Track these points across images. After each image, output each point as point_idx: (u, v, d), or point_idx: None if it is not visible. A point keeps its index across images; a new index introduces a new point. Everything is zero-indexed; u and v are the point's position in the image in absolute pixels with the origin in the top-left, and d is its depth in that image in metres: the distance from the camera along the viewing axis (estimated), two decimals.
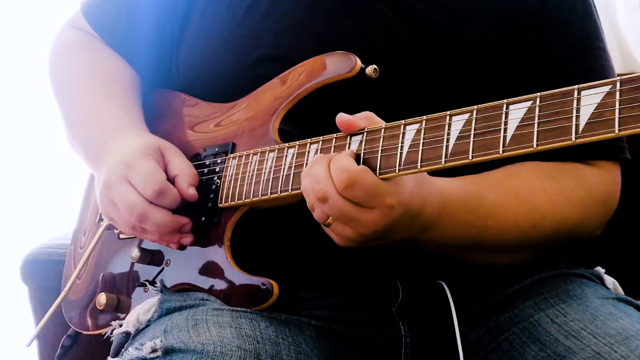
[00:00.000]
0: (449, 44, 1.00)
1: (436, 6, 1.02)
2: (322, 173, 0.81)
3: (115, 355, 0.98)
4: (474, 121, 0.74)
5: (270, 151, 0.94)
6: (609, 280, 1.04)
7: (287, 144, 0.92)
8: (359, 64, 0.92)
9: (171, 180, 0.99)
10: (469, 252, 0.96)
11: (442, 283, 0.98)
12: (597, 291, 0.99)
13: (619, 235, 1.23)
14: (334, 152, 0.85)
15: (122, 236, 1.12)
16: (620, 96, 0.65)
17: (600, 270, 1.06)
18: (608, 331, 0.87)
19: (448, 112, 0.76)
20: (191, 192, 0.99)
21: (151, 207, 0.97)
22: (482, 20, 1.01)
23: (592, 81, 0.68)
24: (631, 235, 1.35)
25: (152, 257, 1.05)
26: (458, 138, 0.75)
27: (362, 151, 0.82)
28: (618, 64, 1.81)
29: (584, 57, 1.03)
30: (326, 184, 0.80)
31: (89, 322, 1.13)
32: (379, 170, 0.80)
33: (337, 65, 0.94)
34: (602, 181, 1.01)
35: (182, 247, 1.02)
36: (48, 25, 1.96)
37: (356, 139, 0.83)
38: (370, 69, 0.92)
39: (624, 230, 1.28)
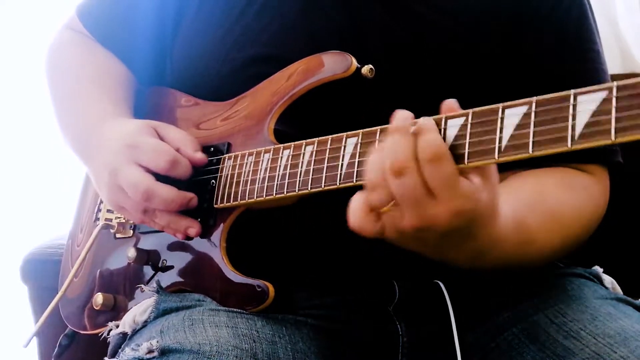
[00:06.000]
0: (444, 45, 1.00)
1: (433, 6, 1.01)
2: (404, 145, 0.73)
3: (113, 355, 0.98)
4: (469, 125, 0.73)
5: (265, 152, 0.94)
6: (607, 280, 1.04)
7: (282, 145, 0.92)
8: (355, 63, 0.91)
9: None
10: (496, 270, 0.93)
11: (439, 283, 0.98)
12: (596, 291, 0.99)
13: (616, 234, 1.23)
14: (329, 154, 0.84)
15: (118, 235, 1.12)
16: (616, 103, 0.63)
17: (598, 269, 1.06)
18: (607, 332, 0.87)
19: (444, 116, 0.75)
20: (199, 155, 1.00)
21: (157, 183, 0.97)
22: (478, 21, 1.01)
23: (585, 84, 0.67)
24: (629, 234, 1.34)
25: (149, 258, 1.05)
26: (453, 142, 0.73)
27: (357, 154, 0.81)
28: (618, 64, 1.81)
29: (578, 59, 1.03)
30: (407, 156, 0.72)
31: (86, 321, 1.13)
32: None
33: (333, 64, 0.93)
34: (600, 193, 1.01)
35: (189, 238, 1.01)
36: (49, 26, 1.96)
37: (351, 142, 0.82)
38: (366, 69, 0.91)
39: (622, 230, 1.28)
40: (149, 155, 0.97)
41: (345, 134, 0.84)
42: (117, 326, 1.01)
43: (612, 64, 1.09)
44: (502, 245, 0.83)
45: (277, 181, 0.90)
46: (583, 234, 0.99)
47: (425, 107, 0.78)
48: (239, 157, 0.98)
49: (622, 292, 1.03)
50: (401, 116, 0.75)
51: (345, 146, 0.83)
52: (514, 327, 0.95)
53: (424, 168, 0.71)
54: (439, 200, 0.72)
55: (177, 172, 0.97)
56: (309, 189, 0.86)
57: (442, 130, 0.74)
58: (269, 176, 0.92)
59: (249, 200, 0.94)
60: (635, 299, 0.99)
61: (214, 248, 0.98)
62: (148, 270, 1.05)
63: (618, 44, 1.82)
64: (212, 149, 1.03)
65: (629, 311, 0.95)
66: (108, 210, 1.16)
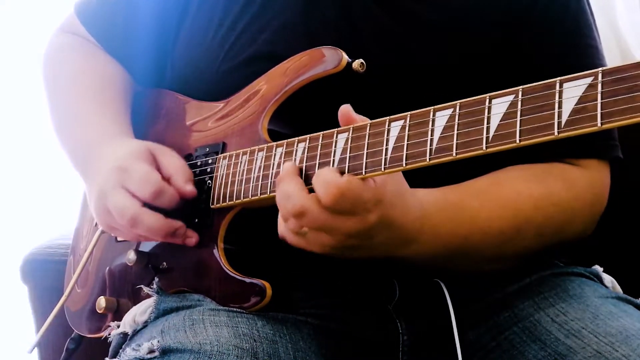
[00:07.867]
0: (441, 42, 1.00)
1: (429, 4, 1.01)
2: (292, 188, 0.80)
3: (114, 356, 0.98)
4: (457, 116, 0.73)
5: (259, 150, 0.93)
6: (607, 279, 1.04)
7: (275, 143, 0.92)
8: (346, 58, 0.91)
9: (166, 180, 0.99)
10: (453, 263, 0.95)
11: (439, 281, 0.98)
12: (597, 290, 0.99)
13: (616, 233, 1.23)
14: (320, 150, 0.84)
15: (119, 239, 1.11)
16: (602, 88, 0.63)
17: (598, 268, 1.06)
18: (609, 330, 0.87)
19: (432, 108, 0.75)
20: (189, 188, 0.99)
21: (143, 210, 0.96)
22: (475, 18, 1.01)
23: None
24: (629, 233, 1.34)
25: (149, 260, 1.05)
26: (442, 134, 0.73)
27: (349, 149, 0.81)
28: (618, 64, 1.80)
29: (577, 55, 1.02)
30: (301, 200, 0.79)
31: (90, 325, 1.13)
32: (365, 169, 0.79)
33: (323, 60, 0.93)
34: (589, 184, 1.00)
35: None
36: (48, 26, 1.96)
37: (342, 137, 0.82)
38: (356, 64, 0.91)
39: (622, 229, 1.28)
40: (135, 182, 0.97)
41: (336, 129, 0.84)
42: (118, 326, 1.01)
43: (612, 64, 1.09)
44: (432, 222, 0.87)
45: (271, 179, 0.90)
46: (563, 223, 0.98)
47: (420, 103, 0.78)
48: (233, 157, 0.98)
49: (622, 291, 1.03)
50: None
51: (336, 141, 0.83)
52: (515, 326, 0.95)
53: (334, 206, 0.77)
54: (349, 214, 0.79)
55: (161, 202, 0.97)
56: None
57: (431, 120, 0.75)
58: (263, 175, 0.91)
59: (244, 200, 0.94)
60: (636, 298, 0.99)
61: (212, 249, 0.98)
62: (149, 273, 1.04)
63: (618, 44, 1.82)
64: (207, 149, 1.03)
65: (629, 310, 0.95)
66: None
